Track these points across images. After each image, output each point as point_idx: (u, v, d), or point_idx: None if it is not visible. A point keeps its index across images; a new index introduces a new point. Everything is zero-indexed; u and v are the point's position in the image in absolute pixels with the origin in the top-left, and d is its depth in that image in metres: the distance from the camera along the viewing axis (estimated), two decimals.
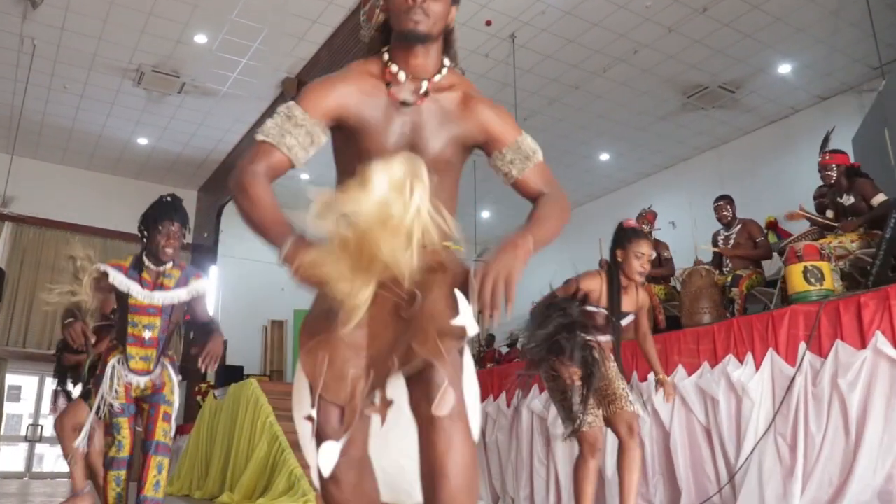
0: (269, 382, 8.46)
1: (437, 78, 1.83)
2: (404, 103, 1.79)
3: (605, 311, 3.44)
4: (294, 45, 8.15)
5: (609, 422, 3.38)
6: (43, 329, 10.34)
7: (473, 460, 1.59)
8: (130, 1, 7.35)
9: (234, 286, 11.91)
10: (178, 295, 3.69)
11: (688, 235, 7.71)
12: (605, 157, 11.00)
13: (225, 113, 9.61)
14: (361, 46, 7.25)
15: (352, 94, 1.79)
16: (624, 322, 3.49)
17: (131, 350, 3.62)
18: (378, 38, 1.92)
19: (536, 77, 8.72)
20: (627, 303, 3.51)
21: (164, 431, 3.59)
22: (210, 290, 3.95)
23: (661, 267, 6.32)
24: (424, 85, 1.81)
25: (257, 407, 6.31)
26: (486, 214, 12.75)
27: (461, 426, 1.57)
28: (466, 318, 1.61)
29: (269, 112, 9.41)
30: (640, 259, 3.45)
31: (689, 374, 4.25)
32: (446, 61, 1.90)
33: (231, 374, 10.45)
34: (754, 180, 9.72)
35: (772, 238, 6.72)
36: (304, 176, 11.60)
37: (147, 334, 3.64)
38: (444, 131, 1.80)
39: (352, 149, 1.83)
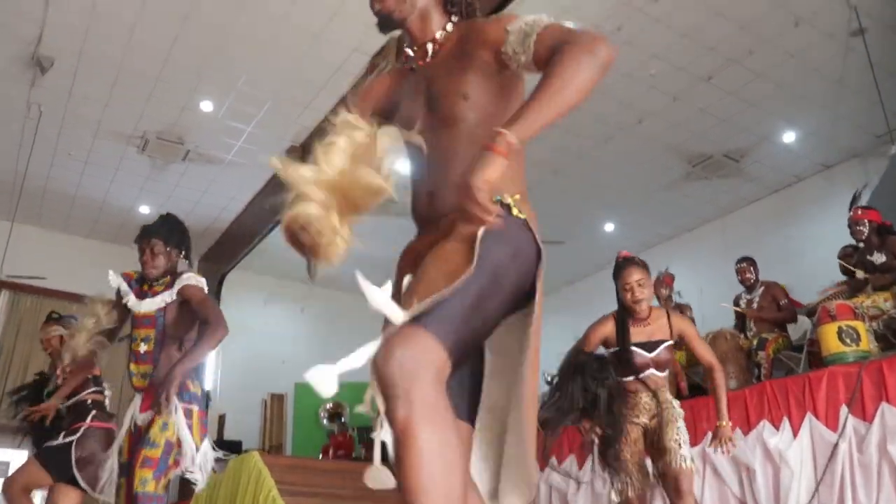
0: (270, 456, 8.21)
1: (438, 35, 1.91)
2: (412, 70, 1.94)
3: (624, 349, 3.35)
4: (300, 113, 8.17)
5: (659, 478, 3.22)
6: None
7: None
8: (139, 67, 7.38)
9: (233, 358, 11.70)
10: (163, 298, 3.68)
11: (694, 305, 7.62)
12: (609, 227, 10.96)
13: (229, 181, 9.57)
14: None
15: (386, 84, 2.08)
16: (655, 353, 3.38)
17: (131, 367, 3.60)
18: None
19: (541, 147, 8.70)
20: (654, 332, 3.40)
21: (142, 480, 3.34)
22: (202, 285, 3.87)
23: None
24: (429, 48, 1.91)
25: (259, 481, 6.06)
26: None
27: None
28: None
29: (273, 181, 9.45)
30: (628, 290, 3.43)
31: None
32: (452, 20, 1.94)
33: (228, 449, 10.17)
34: (759, 249, 9.60)
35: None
36: None
37: (143, 348, 3.58)
38: (453, 76, 1.83)
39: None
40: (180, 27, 6.87)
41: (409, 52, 1.97)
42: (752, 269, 5.77)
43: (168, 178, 9.54)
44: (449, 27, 1.92)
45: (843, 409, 3.50)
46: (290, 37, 7.02)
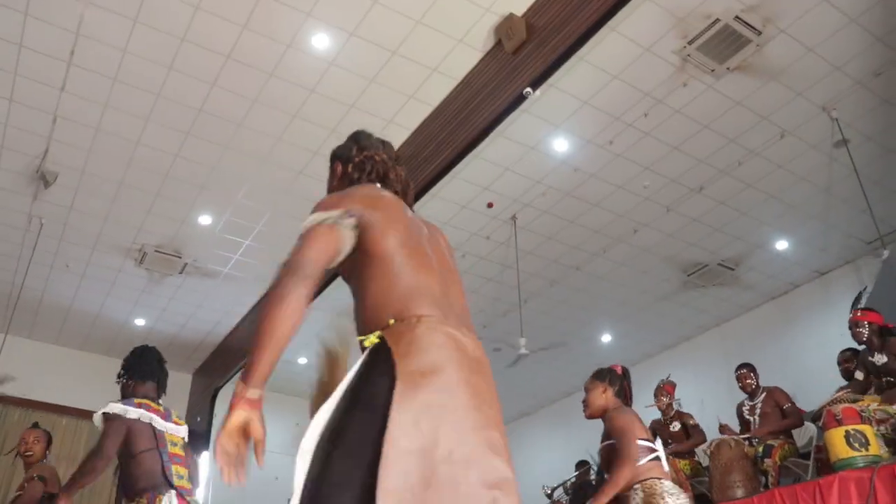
0: None
1: None
2: None
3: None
4: (297, 226, 8.20)
5: None
6: None
7: None
8: (140, 182, 7.52)
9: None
10: None
11: (696, 415, 7.51)
12: (607, 338, 10.91)
13: (224, 295, 9.58)
14: None
15: None
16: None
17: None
18: None
19: (538, 258, 8.79)
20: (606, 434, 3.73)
21: None
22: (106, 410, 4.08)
23: (688, 438, 6.08)
24: None
25: None
26: None
27: None
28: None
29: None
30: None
31: None
32: None
33: None
34: (758, 357, 9.54)
35: None
36: (303, 360, 11.52)
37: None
38: None
39: None
40: (181, 144, 7.03)
41: None
42: (752, 374, 5.73)
43: (164, 291, 9.55)
44: None
45: None
46: (288, 153, 7.18)
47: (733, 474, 4.55)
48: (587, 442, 10.04)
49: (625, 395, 4.05)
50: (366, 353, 1.86)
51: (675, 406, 6.35)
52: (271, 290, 1.82)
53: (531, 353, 8.21)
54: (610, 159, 7.30)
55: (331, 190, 2.38)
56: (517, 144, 7.10)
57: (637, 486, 3.39)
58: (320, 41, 6.05)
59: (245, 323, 10.16)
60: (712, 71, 6.35)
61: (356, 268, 2.03)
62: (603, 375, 4.08)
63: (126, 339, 10.79)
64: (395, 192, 2.30)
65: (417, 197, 6.89)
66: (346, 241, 1.99)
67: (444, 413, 1.72)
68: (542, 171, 7.48)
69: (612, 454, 3.57)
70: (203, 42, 6.01)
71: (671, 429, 6.18)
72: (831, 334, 7.61)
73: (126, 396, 4.21)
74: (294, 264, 1.89)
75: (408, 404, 1.69)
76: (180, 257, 8.78)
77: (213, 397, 11.06)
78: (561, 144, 7.14)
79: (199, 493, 10.78)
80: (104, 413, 4.04)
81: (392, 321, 1.88)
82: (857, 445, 3.66)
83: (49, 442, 5.55)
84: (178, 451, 4.17)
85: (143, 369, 4.50)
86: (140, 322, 10.39)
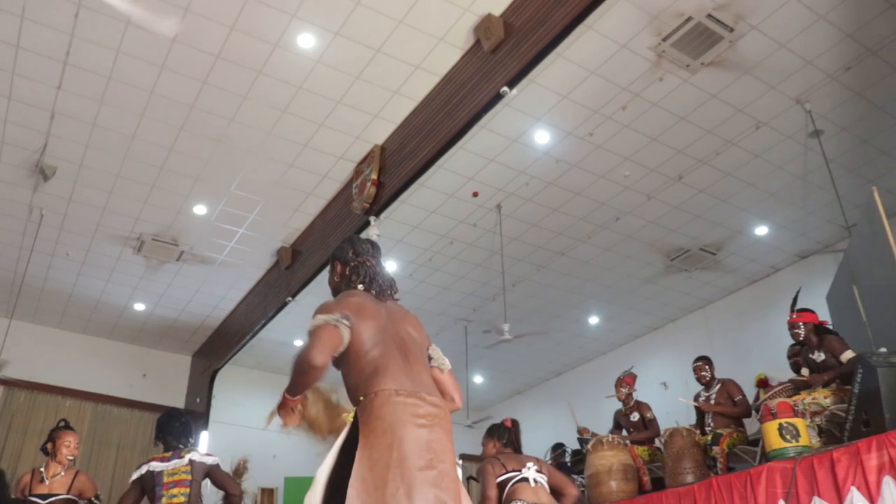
0: None
1: None
2: None
3: None
4: (289, 216, 8.52)
5: None
6: None
7: None
8: (136, 174, 7.77)
9: (224, 452, 11.70)
10: None
11: (680, 394, 7.77)
12: (594, 320, 11.19)
13: (221, 281, 9.86)
14: (352, 217, 7.61)
15: None
16: None
17: None
18: None
19: (523, 244, 9.05)
20: None
21: None
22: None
23: (646, 429, 6.37)
24: None
25: None
26: (478, 380, 12.80)
27: None
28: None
29: (264, 280, 9.72)
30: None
31: None
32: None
33: None
34: (742, 338, 9.89)
35: (763, 395, 6.81)
36: (299, 342, 11.78)
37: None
38: None
39: None
40: (175, 138, 7.27)
41: None
42: (707, 367, 6.01)
43: (162, 278, 9.83)
44: None
45: (781, 503, 3.68)
46: (279, 146, 7.42)
47: (685, 461, 4.83)
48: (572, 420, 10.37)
49: (513, 443, 5.02)
50: (350, 423, 2.54)
51: (634, 397, 6.61)
52: (296, 368, 2.56)
53: (516, 337, 8.48)
54: (590, 150, 7.52)
55: (332, 283, 3.04)
56: (500, 137, 7.32)
57: None
58: (306, 41, 6.27)
59: (241, 307, 10.44)
60: (687, 66, 6.56)
61: (342, 360, 2.66)
62: (493, 432, 5.05)
63: (126, 322, 11.12)
64: (380, 290, 2.94)
65: (404, 187, 7.14)
66: (346, 337, 2.60)
67: (391, 463, 2.35)
68: (524, 162, 7.71)
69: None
70: (193, 42, 6.24)
71: (631, 418, 6.45)
72: (821, 310, 7.83)
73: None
74: (306, 356, 2.51)
75: (363, 460, 2.36)
76: (177, 245, 9.05)
77: (212, 378, 11.38)
78: (542, 137, 7.36)
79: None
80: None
81: (362, 398, 2.53)
82: (788, 437, 3.92)
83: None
84: (180, 476, 4.91)
85: (156, 435, 5.29)
86: (140, 307, 10.67)
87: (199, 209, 8.39)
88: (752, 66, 6.60)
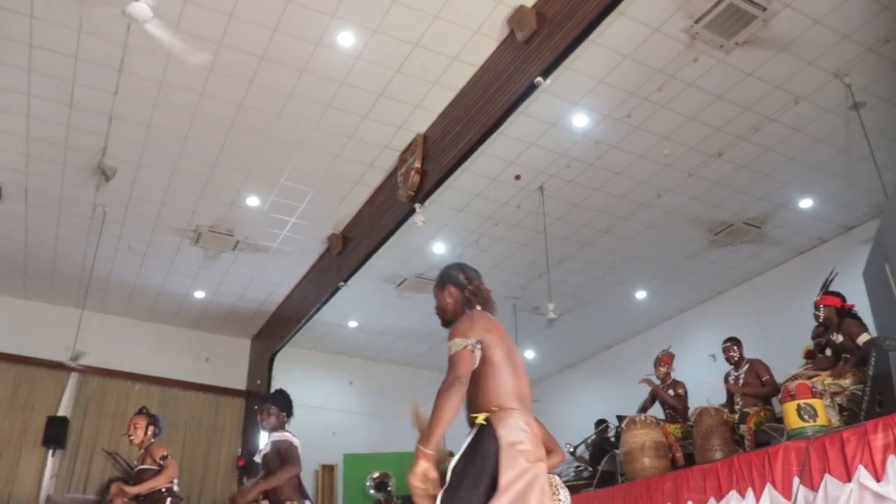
0: None
1: None
2: None
3: None
4: (338, 204, 8.82)
5: None
6: (102, 476, 10.66)
7: None
8: (191, 170, 8.15)
9: None
10: (261, 452, 5.36)
11: (729, 367, 7.89)
12: (641, 294, 11.30)
13: (275, 267, 10.25)
14: (399, 204, 7.87)
15: None
16: None
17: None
18: None
19: (567, 224, 9.20)
20: None
21: None
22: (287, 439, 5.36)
23: (675, 401, 6.55)
24: None
25: None
26: (529, 355, 13.03)
27: None
28: None
29: (317, 266, 10.08)
30: None
31: None
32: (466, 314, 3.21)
33: None
34: (790, 310, 9.89)
35: None
36: (353, 323, 12.17)
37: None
38: None
39: None
40: (225, 136, 7.61)
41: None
42: (736, 347, 6.14)
43: (220, 266, 10.25)
44: None
45: (796, 481, 3.84)
46: (325, 139, 7.70)
47: (713, 439, 5.00)
48: (625, 392, 10.53)
49: None
50: (477, 425, 2.87)
51: (671, 375, 6.77)
52: (443, 391, 2.86)
53: (561, 316, 8.67)
54: (629, 131, 7.63)
55: (444, 305, 3.33)
56: (539, 122, 7.48)
57: None
58: (346, 39, 6.50)
59: (295, 292, 10.83)
60: (721, 46, 6.61)
61: (477, 370, 2.98)
62: None
63: (188, 309, 11.62)
64: (493, 311, 3.31)
65: (448, 174, 7.35)
66: (477, 359, 2.97)
67: (527, 473, 2.76)
68: (564, 145, 7.85)
69: None
70: (238, 45, 6.52)
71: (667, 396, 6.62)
72: (859, 287, 7.84)
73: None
74: (454, 379, 2.87)
75: (509, 461, 2.74)
76: (232, 235, 9.44)
77: (271, 361, 11.82)
78: (581, 120, 7.49)
79: (263, 444, 11.62)
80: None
81: (495, 408, 2.88)
82: (806, 417, 4.07)
83: (150, 423, 6.33)
84: None
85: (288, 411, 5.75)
86: (200, 294, 11.14)
87: (252, 201, 8.74)
88: (787, 43, 6.61)
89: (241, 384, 12.48)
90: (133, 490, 5.80)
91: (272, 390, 12.08)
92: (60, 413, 10.85)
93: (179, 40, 6.25)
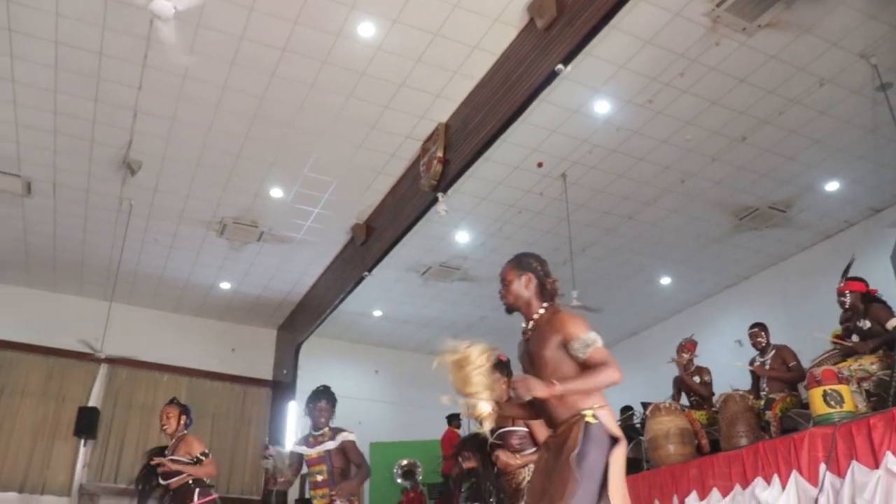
0: None
1: (535, 317, 3.17)
2: (527, 339, 3.17)
3: None
4: (361, 194, 8.86)
5: None
6: (133, 466, 10.80)
7: None
8: (215, 163, 8.22)
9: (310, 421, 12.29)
10: (326, 445, 5.26)
11: (755, 352, 7.85)
12: (665, 280, 11.26)
13: (300, 258, 10.33)
14: (422, 193, 7.89)
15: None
16: None
17: (312, 492, 5.15)
18: None
19: (590, 210, 9.18)
20: None
21: None
22: (355, 439, 5.40)
23: (701, 388, 6.53)
24: (530, 324, 3.17)
25: None
26: None
27: None
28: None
29: (341, 256, 10.13)
30: None
31: (724, 496, 4.41)
32: (543, 306, 3.19)
33: None
34: (817, 295, 9.76)
35: None
36: (377, 313, 12.23)
37: (319, 478, 5.16)
38: (541, 342, 3.04)
39: None
40: (248, 128, 7.66)
41: (524, 325, 3.20)
42: (763, 333, 6.10)
43: (245, 257, 10.35)
44: (541, 311, 3.16)
45: (822, 467, 3.81)
46: (348, 129, 7.73)
47: (738, 425, 4.97)
48: (650, 380, 10.49)
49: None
50: (586, 420, 2.85)
51: (695, 362, 6.75)
52: (610, 366, 2.86)
53: (585, 303, 8.64)
54: (651, 117, 7.59)
55: (517, 291, 3.25)
56: (561, 109, 7.46)
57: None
58: (366, 29, 6.51)
59: (320, 282, 10.90)
60: (743, 29, 6.54)
61: (576, 366, 2.98)
62: (502, 369, 4.70)
63: (214, 300, 11.74)
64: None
65: (470, 163, 7.36)
66: None
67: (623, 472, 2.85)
68: (586, 132, 7.82)
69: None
70: (259, 38, 6.56)
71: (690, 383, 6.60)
72: (887, 270, 7.74)
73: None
74: (606, 365, 2.87)
75: (618, 456, 2.80)
76: (257, 227, 9.52)
77: (297, 350, 11.92)
78: (602, 106, 7.46)
79: (291, 436, 11.74)
80: None
81: (598, 405, 2.90)
82: (832, 403, 4.03)
83: (182, 413, 6.29)
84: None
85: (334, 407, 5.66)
86: (226, 285, 11.25)
87: (276, 192, 8.81)
88: (811, 24, 6.53)
89: (267, 374, 12.61)
90: (171, 465, 5.80)
91: (297, 379, 12.25)
92: (91, 404, 11.02)
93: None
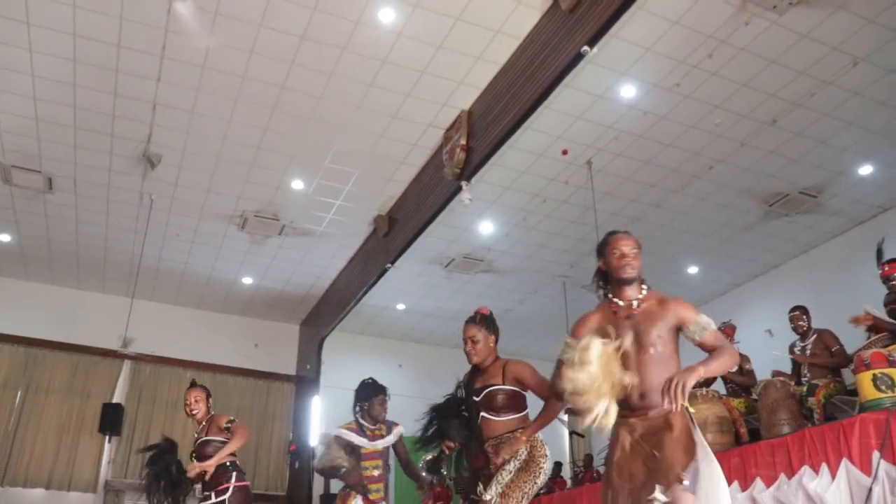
0: None
1: (640, 296, 3.12)
2: (627, 317, 3.05)
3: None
4: (383, 185, 8.74)
5: None
6: None
7: None
8: (235, 155, 8.14)
9: (337, 414, 12.20)
10: (387, 440, 5.19)
11: (786, 342, 7.65)
12: (693, 270, 11.05)
13: (322, 251, 10.23)
14: (445, 183, 7.75)
15: (597, 319, 3.14)
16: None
17: (369, 485, 5.00)
18: (602, 284, 3.31)
19: (616, 199, 9.00)
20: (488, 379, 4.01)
21: None
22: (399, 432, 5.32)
23: (743, 378, 6.34)
24: (634, 304, 3.09)
25: None
26: None
27: None
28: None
29: (363, 248, 10.01)
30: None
31: (767, 486, 4.24)
32: (647, 286, 3.19)
33: (330, 502, 10.61)
34: (849, 282, 9.56)
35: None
36: (401, 306, 12.13)
37: (375, 472, 5.06)
38: (652, 323, 3.00)
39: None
40: (268, 119, 7.56)
41: (619, 303, 3.11)
42: (804, 317, 5.91)
43: (266, 251, 10.27)
44: (644, 293, 3.13)
45: (876, 455, 3.63)
46: (369, 119, 7.61)
47: (780, 413, 4.79)
48: None
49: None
50: (685, 410, 2.82)
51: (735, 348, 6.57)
52: (731, 349, 2.93)
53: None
54: (678, 101, 7.40)
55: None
56: (586, 94, 7.30)
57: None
58: (386, 15, 6.39)
59: (343, 275, 10.80)
60: (774, 7, 6.34)
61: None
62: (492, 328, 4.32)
63: (236, 296, 11.68)
64: None
65: (493, 150, 7.21)
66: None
67: None
68: (612, 117, 7.66)
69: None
70: (278, 25, 6.45)
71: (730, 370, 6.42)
72: None
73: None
74: (728, 346, 2.95)
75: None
76: (278, 220, 9.43)
77: (320, 345, 11.84)
78: (628, 91, 7.29)
79: (315, 431, 11.66)
80: None
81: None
82: (883, 388, 3.87)
83: (208, 396, 6.07)
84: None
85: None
86: (248, 280, 11.19)
87: (297, 184, 8.71)
88: (844, 0, 6.32)
89: (290, 369, 12.55)
90: (210, 464, 5.51)
91: (321, 375, 12.18)
92: (115, 400, 11.01)
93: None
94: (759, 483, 4.22)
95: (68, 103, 7.29)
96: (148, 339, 11.34)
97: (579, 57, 5.97)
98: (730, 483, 4.01)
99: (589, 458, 10.61)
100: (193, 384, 6.18)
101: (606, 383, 2.70)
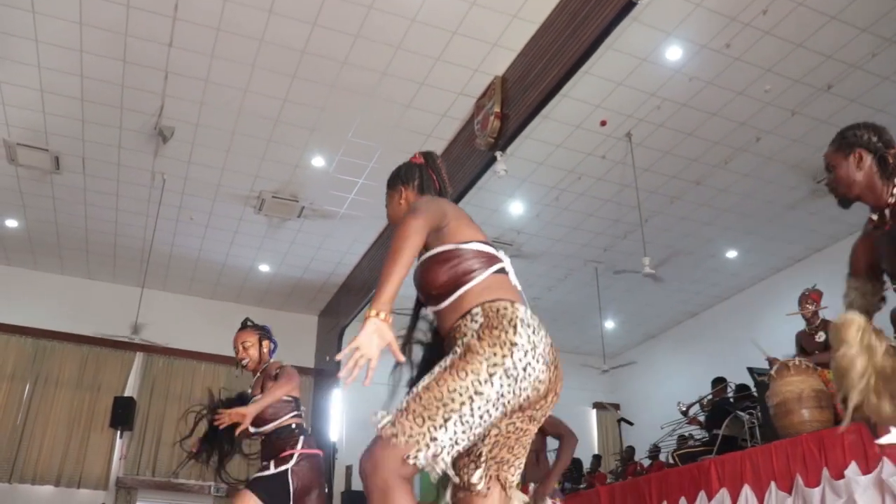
0: None
1: (891, 200, 2.43)
2: (876, 230, 2.49)
3: None
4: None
5: None
6: (171, 458, 10.36)
7: None
8: (252, 129, 7.65)
9: (358, 410, 11.74)
10: None
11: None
12: (732, 254, 10.49)
13: (343, 234, 9.73)
14: (477, 155, 7.25)
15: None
16: None
17: None
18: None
19: (656, 175, 8.48)
20: None
21: None
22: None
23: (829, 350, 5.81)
24: (887, 213, 2.44)
25: None
26: (609, 325, 12.33)
27: None
28: None
29: (387, 231, 9.49)
30: None
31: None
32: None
33: (353, 500, 10.18)
34: None
35: None
36: None
37: None
38: None
39: None
40: (288, 88, 7.08)
41: (873, 217, 2.50)
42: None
43: (284, 236, 9.79)
44: None
45: None
46: (395, 86, 7.12)
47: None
48: (711, 364, 9.77)
49: (434, 188, 2.71)
50: None
51: (821, 315, 6.06)
52: None
53: (643, 280, 7.98)
54: (727, 64, 6.88)
55: (855, 179, 2.60)
56: (628, 57, 6.79)
57: (476, 309, 2.21)
58: None
59: (365, 261, 10.31)
60: None
61: None
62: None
63: (252, 285, 11.21)
64: None
65: (530, 117, 6.69)
66: None
67: None
68: (655, 83, 7.14)
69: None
70: None
71: (816, 339, 5.90)
72: None
73: None
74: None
75: None
76: (297, 201, 8.93)
77: (340, 336, 11.35)
78: (674, 53, 6.78)
79: (335, 428, 11.21)
80: None
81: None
82: None
83: (262, 338, 4.91)
84: None
85: None
86: (264, 268, 10.72)
87: (317, 161, 8.22)
88: None
89: (308, 362, 12.07)
90: (252, 409, 4.26)
91: (341, 367, 11.68)
92: (127, 393, 10.56)
93: None
94: (887, 464, 3.66)
95: (75, 72, 6.84)
96: (160, 331, 10.90)
97: (630, 6, 5.45)
98: (846, 465, 3.49)
99: (631, 450, 10.08)
100: (244, 325, 5.00)
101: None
